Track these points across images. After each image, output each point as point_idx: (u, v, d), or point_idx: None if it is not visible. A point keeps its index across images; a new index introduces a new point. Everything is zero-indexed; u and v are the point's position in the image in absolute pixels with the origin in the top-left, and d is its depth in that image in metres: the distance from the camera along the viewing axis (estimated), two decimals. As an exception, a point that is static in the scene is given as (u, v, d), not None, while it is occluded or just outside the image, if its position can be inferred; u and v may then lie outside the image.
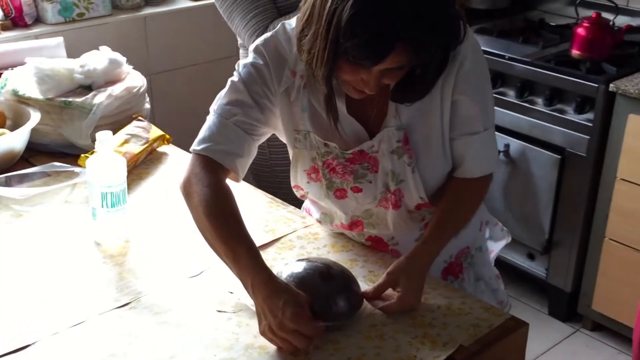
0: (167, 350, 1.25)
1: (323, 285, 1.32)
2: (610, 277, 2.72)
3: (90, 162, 1.52)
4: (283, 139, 1.50)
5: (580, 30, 2.70)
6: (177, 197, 1.42)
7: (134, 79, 2.03)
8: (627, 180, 2.58)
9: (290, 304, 1.22)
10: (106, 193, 1.51)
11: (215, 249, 1.33)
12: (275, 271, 1.32)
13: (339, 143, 1.41)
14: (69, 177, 1.70)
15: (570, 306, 2.89)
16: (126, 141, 1.85)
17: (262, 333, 1.25)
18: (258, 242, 1.53)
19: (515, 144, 2.80)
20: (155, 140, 1.92)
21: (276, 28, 1.41)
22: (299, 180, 1.48)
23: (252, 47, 1.42)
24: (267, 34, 1.42)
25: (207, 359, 1.24)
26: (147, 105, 2.07)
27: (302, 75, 1.38)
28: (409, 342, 1.28)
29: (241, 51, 2.17)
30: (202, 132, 1.40)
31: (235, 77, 1.41)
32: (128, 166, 1.71)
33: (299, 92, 1.39)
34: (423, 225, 1.50)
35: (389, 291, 1.35)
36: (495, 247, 1.69)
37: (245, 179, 1.51)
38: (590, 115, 2.60)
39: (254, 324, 1.31)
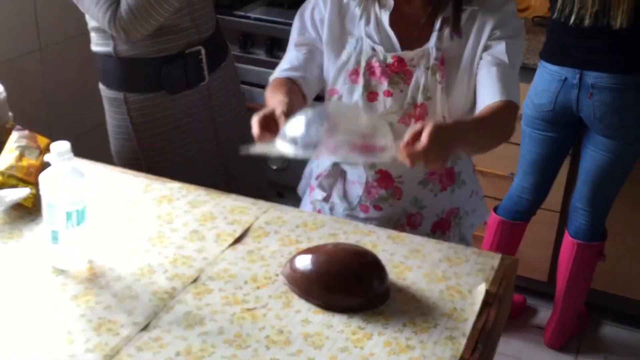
0: (230, 360, 1.18)
1: (363, 268, 1.35)
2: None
3: (47, 178, 1.34)
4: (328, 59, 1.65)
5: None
6: (110, 205, 1.39)
7: (-9, 85, 1.79)
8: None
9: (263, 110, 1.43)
10: (71, 212, 1.34)
11: None
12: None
13: (384, 44, 1.59)
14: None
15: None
16: (22, 155, 1.63)
17: None
18: (229, 237, 1.50)
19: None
20: (45, 149, 1.71)
21: None
22: (339, 84, 1.63)
23: None
24: None
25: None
26: (10, 113, 1.83)
27: None
28: (440, 297, 1.35)
29: (93, 35, 2.00)
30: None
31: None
32: (35, 182, 1.56)
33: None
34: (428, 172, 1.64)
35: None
36: (475, 222, 1.81)
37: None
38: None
39: (291, 313, 1.29)
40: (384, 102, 1.60)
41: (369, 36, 1.60)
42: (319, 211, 1.75)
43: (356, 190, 1.69)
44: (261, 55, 3.02)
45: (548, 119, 2.48)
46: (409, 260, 1.45)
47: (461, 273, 1.42)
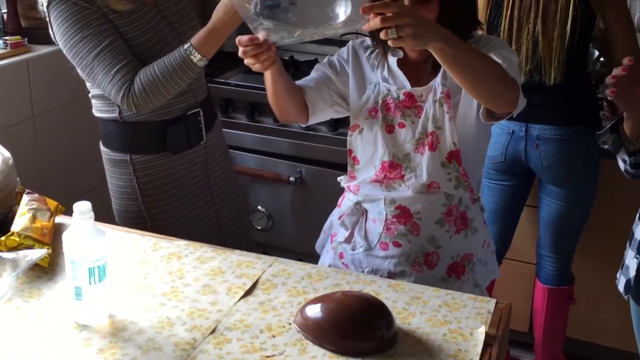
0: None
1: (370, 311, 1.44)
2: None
3: (71, 237, 1.41)
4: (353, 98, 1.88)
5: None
6: (123, 264, 1.51)
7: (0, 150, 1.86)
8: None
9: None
10: (94, 268, 1.42)
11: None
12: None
13: (397, 84, 1.82)
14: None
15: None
16: (34, 217, 1.70)
17: None
18: (239, 290, 1.58)
19: (307, 169, 3.05)
20: (55, 211, 1.79)
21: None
22: (360, 119, 1.85)
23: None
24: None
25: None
26: (17, 178, 1.90)
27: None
28: (445, 340, 1.45)
29: (96, 102, 2.09)
30: None
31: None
32: (49, 243, 1.66)
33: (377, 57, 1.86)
34: (445, 210, 1.79)
35: None
36: (487, 277, 1.93)
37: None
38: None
39: (307, 358, 1.37)
40: (398, 133, 1.82)
41: (384, 80, 1.84)
42: (341, 255, 1.89)
43: (376, 228, 1.83)
44: (242, 119, 3.14)
45: (502, 170, 2.64)
46: (411, 306, 1.55)
47: (461, 317, 1.52)
